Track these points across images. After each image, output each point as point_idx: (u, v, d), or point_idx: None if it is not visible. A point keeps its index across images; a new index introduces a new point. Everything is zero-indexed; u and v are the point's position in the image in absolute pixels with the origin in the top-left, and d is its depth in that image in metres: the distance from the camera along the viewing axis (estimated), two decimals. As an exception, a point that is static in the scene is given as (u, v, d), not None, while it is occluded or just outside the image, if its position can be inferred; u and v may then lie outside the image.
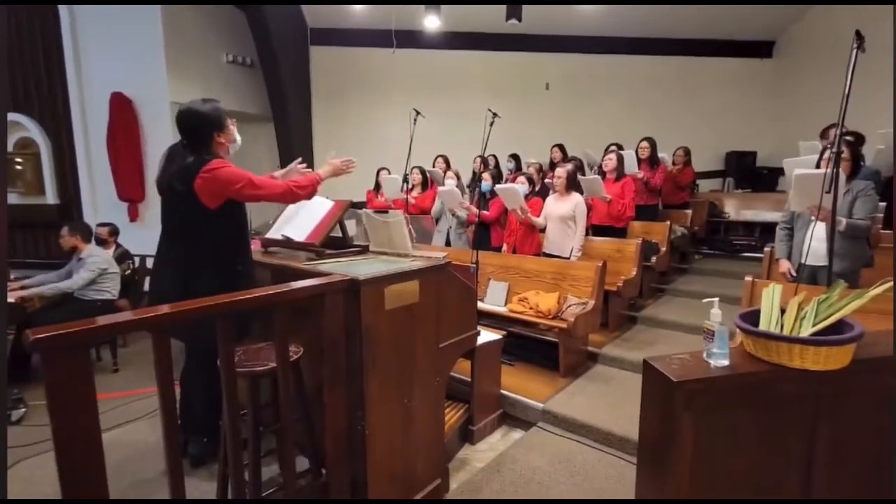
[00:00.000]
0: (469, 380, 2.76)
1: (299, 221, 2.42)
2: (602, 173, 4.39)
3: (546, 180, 4.71)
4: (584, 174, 4.69)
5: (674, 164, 5.61)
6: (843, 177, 2.33)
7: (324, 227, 2.30)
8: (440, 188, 4.52)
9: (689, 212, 5.55)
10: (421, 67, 7.03)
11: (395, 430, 1.99)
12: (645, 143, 5.09)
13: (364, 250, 2.40)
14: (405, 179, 4.70)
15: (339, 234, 2.44)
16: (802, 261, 2.76)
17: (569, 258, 3.66)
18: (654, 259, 4.48)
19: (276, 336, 1.58)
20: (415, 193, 5.02)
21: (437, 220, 4.72)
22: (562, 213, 3.69)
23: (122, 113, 5.69)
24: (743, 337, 1.39)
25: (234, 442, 1.45)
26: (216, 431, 2.02)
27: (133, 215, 5.88)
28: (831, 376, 1.26)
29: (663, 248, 4.67)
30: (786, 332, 1.34)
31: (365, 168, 6.27)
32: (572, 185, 3.76)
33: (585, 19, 6.12)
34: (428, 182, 5.18)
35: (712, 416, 1.27)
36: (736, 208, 6.48)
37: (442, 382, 2.24)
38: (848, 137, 2.76)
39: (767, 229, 5.89)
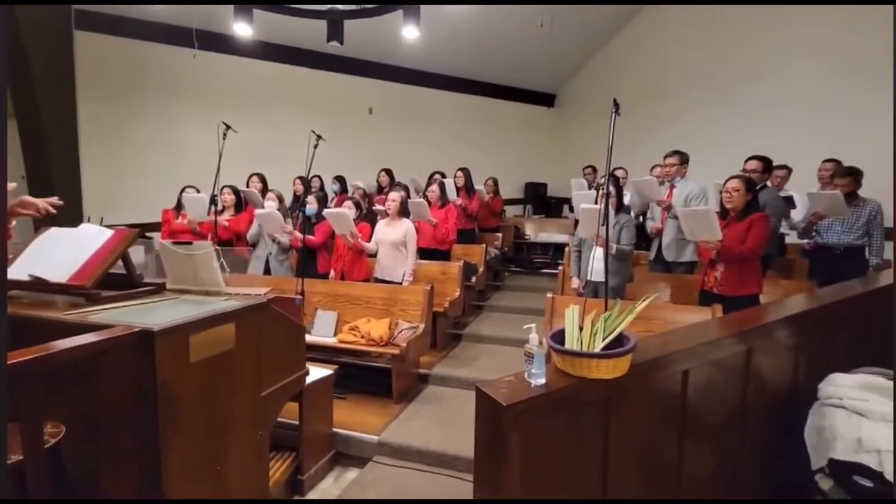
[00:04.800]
0: (296, 423, 2.51)
1: (58, 256, 1.84)
2: (427, 200, 4.62)
3: (376, 207, 4.73)
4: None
5: (487, 192, 6.30)
6: (611, 211, 2.91)
7: (97, 264, 1.81)
8: (258, 211, 4.12)
9: (500, 235, 6.28)
10: (231, 76, 6.33)
11: (206, 504, 1.66)
12: (460, 173, 5.62)
13: (159, 289, 1.99)
14: (213, 200, 4.12)
15: (124, 271, 1.97)
16: (589, 277, 3.34)
17: (401, 283, 3.70)
18: (473, 279, 4.88)
19: (24, 417, 1.16)
20: (227, 216, 4.47)
21: (255, 246, 4.28)
22: (393, 238, 3.74)
23: None
24: (554, 355, 1.57)
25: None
26: None
27: None
28: (617, 382, 1.51)
29: (481, 269, 5.13)
30: (584, 347, 1.56)
31: (162, 182, 5.35)
32: (403, 210, 3.85)
33: (407, 51, 6.42)
34: (242, 203, 4.67)
35: (535, 428, 1.41)
36: (534, 231, 7.57)
37: (265, 435, 1.98)
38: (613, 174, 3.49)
39: (558, 249, 7.01)
